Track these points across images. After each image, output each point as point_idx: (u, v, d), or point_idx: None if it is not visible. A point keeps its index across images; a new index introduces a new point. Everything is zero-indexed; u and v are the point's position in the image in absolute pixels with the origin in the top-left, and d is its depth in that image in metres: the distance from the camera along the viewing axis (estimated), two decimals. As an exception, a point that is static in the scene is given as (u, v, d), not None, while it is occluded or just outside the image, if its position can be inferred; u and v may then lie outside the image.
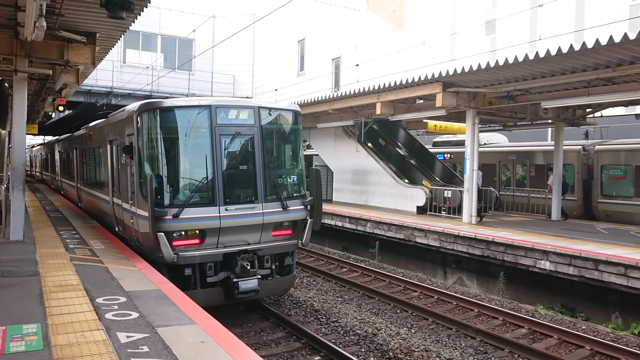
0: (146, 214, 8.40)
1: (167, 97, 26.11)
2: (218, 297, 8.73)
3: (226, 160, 9.00)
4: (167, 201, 8.49)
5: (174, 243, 8.39)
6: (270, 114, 9.61)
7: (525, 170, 19.31)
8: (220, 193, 8.71)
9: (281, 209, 9.29)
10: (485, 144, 21.43)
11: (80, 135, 16.45)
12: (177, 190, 8.74)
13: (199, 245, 8.64)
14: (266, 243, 9.24)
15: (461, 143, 22.20)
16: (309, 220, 9.79)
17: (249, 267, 8.70)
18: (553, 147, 16.78)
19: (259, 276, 8.88)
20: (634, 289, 8.93)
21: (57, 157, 23.49)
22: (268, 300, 10.56)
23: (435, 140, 24.53)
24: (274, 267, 9.42)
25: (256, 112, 9.26)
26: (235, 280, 8.59)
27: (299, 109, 10.27)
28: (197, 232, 8.61)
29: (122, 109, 10.68)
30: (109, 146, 11.37)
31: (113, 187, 11.05)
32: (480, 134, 21.30)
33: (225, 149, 8.94)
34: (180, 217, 8.37)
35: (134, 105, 9.59)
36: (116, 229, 11.04)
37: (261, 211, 9.03)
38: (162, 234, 8.22)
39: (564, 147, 17.21)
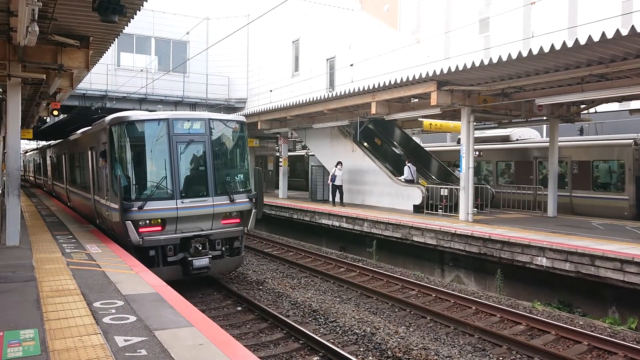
0: (117, 206, 10.23)
1: (161, 100, 26.37)
2: (177, 273, 10.52)
3: (182, 162, 10.82)
4: (133, 196, 10.33)
5: (140, 230, 10.20)
6: (219, 124, 11.52)
7: (567, 167, 17.52)
8: (177, 189, 10.58)
9: (229, 202, 11.18)
10: (517, 140, 20.07)
11: (67, 142, 18.68)
12: (142, 187, 10.55)
13: (160, 231, 10.48)
14: (217, 229, 11.09)
15: (493, 139, 20.64)
16: (254, 211, 11.64)
17: (201, 249, 10.58)
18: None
19: (210, 255, 10.72)
20: (631, 283, 8.96)
21: (48, 161, 25.58)
22: (266, 301, 10.57)
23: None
24: (224, 249, 11.21)
25: (206, 122, 11.14)
26: (190, 259, 10.44)
27: (244, 119, 12.14)
28: (158, 220, 10.48)
29: (102, 119, 11.99)
30: (89, 152, 13.33)
31: (94, 186, 12.92)
32: (512, 129, 19.91)
33: (181, 153, 10.79)
34: (145, 208, 10.23)
35: (107, 118, 11.35)
36: (97, 222, 12.93)
37: (211, 203, 10.90)
38: (130, 222, 10.05)
39: (612, 142, 16.31)
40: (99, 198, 12.20)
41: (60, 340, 4.84)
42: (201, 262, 10.53)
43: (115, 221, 10.57)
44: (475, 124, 15.18)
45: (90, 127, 13.96)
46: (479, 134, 21.24)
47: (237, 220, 11.53)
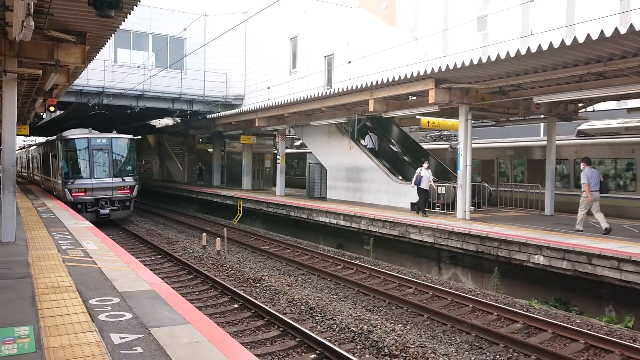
0: (61, 182, 20.28)
1: (158, 97, 26.33)
2: (92, 217, 19.08)
3: (95, 160, 20.50)
4: (70, 177, 20.15)
5: (72, 194, 19.85)
6: (117, 140, 21.22)
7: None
8: (92, 173, 20.32)
9: (121, 180, 20.82)
10: None
11: (40, 145, 31.00)
12: (74, 172, 20.37)
13: (84, 195, 20.03)
14: (115, 195, 20.70)
15: None
16: (136, 186, 21.55)
17: (104, 204, 20.42)
18: None
19: (110, 208, 20.50)
20: (627, 282, 8.97)
21: (30, 158, 39.20)
22: (263, 299, 10.55)
23: None
24: (119, 206, 20.93)
25: (110, 139, 20.90)
26: (99, 209, 20.26)
27: (132, 137, 22.53)
28: (83, 189, 20.03)
29: (59, 134, 22.36)
30: (51, 153, 23.72)
31: (52, 173, 23.12)
32: None
33: (95, 155, 20.48)
34: (75, 183, 19.98)
35: (58, 135, 22.25)
36: (54, 193, 22.76)
37: (111, 181, 20.57)
38: (67, 190, 19.87)
39: None
40: (54, 179, 22.51)
41: (55, 338, 4.81)
42: (104, 210, 20.36)
43: (60, 190, 20.70)
44: (472, 121, 15.16)
45: (51, 138, 25.71)
46: None
47: (128, 191, 21.14)
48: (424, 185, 15.07)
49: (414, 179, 15.30)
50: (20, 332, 4.90)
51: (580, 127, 17.87)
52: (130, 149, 21.68)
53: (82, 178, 20.10)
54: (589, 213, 12.28)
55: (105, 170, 20.52)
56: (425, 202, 15.21)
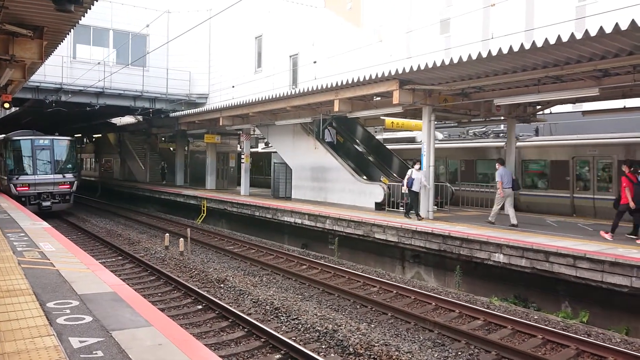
0: (6, 178, 22.57)
1: (119, 94, 25.76)
2: (35, 209, 20.90)
3: (38, 158, 22.99)
4: (15, 173, 22.51)
5: (17, 189, 22.16)
6: (58, 140, 23.77)
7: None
8: (35, 170, 22.77)
9: (62, 177, 23.28)
10: None
11: None
12: (19, 169, 22.71)
13: (27, 190, 22.35)
14: (56, 190, 23.10)
15: None
16: (76, 182, 24.02)
17: (46, 198, 22.73)
18: None
19: (51, 201, 22.80)
20: (582, 279, 9.29)
21: None
22: (227, 299, 10.46)
23: None
24: (60, 199, 23.28)
25: (51, 140, 23.47)
26: (41, 202, 22.55)
27: (73, 138, 25.67)
28: (26, 184, 22.37)
29: (7, 135, 25.27)
30: None
31: (0, 170, 24.88)
32: None
33: (38, 154, 22.99)
34: (19, 179, 22.36)
35: (5, 136, 24.97)
36: (1, 189, 24.48)
37: (52, 177, 23.00)
38: (12, 184, 22.16)
39: None
40: (1, 175, 24.54)
41: (11, 343, 4.64)
42: (46, 203, 22.67)
43: (6, 185, 22.92)
44: (435, 122, 15.42)
45: None
46: None
47: (68, 186, 23.52)
48: (416, 187, 14.34)
49: (405, 181, 14.55)
50: (-27, 338, 4.70)
51: None
52: (71, 149, 24.68)
53: (26, 174, 22.70)
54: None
55: (47, 167, 23.12)
56: (417, 205, 14.50)
